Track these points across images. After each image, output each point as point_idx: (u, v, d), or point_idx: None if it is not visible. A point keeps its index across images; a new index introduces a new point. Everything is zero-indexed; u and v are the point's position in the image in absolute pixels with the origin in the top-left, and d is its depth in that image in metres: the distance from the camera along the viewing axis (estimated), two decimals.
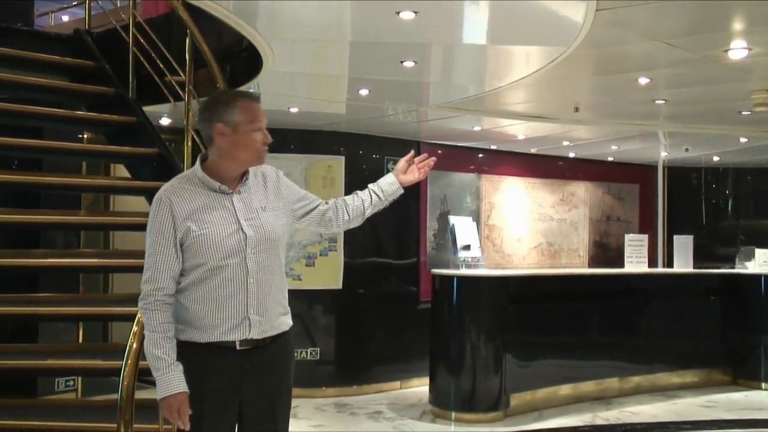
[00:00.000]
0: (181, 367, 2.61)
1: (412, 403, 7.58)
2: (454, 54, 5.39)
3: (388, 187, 3.00)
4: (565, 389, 7.46)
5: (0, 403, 4.59)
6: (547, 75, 5.45)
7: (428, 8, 3.96)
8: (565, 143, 9.11)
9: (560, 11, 4.17)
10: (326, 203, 2.96)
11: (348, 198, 3.00)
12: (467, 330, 6.99)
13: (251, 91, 5.81)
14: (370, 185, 3.02)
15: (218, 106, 2.70)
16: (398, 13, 3.98)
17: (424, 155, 3.06)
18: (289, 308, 2.85)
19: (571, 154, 10.13)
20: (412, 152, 3.06)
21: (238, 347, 2.67)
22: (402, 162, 3.01)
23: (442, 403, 7.06)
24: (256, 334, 2.69)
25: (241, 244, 2.66)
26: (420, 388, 7.82)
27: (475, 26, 4.66)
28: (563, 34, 4.52)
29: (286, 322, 2.82)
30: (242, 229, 2.68)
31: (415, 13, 3.97)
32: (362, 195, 2.99)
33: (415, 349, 7.86)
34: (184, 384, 2.60)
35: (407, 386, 8.22)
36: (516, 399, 7.03)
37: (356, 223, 3.01)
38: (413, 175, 3.02)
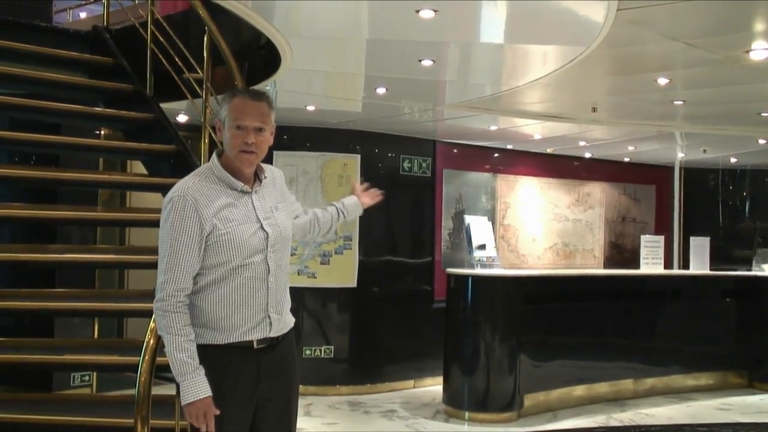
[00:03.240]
0: (203, 370, 2.58)
1: (425, 402, 7.57)
2: (471, 53, 5.37)
3: (352, 207, 3.24)
4: (579, 390, 7.43)
5: (16, 398, 4.63)
6: (565, 75, 5.42)
7: (448, 7, 3.95)
8: (582, 143, 9.07)
9: (580, 11, 4.15)
10: (306, 213, 3.09)
11: (318, 211, 3.15)
12: (482, 329, 6.97)
13: (264, 89, 5.82)
14: (336, 204, 3.22)
15: (221, 102, 2.76)
16: (418, 11, 3.96)
17: (365, 186, 3.34)
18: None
19: (588, 155, 10.09)
20: (362, 184, 3.37)
21: (255, 346, 2.67)
22: (358, 186, 3.30)
23: (455, 402, 7.05)
24: (274, 332, 2.71)
25: (263, 243, 2.66)
26: (434, 387, 7.81)
27: (493, 25, 4.64)
28: (582, 34, 4.49)
29: (292, 319, 2.87)
30: (263, 227, 2.68)
31: (435, 11, 3.96)
32: (330, 211, 3.18)
33: (429, 348, 7.86)
34: (209, 388, 2.57)
35: (421, 385, 8.21)
36: (530, 399, 7.01)
37: (320, 237, 3.26)
38: (367, 200, 3.30)
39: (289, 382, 2.79)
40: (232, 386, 2.64)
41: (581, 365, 7.46)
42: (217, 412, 2.57)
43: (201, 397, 2.54)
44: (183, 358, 2.55)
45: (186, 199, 2.60)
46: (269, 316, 2.68)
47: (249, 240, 2.64)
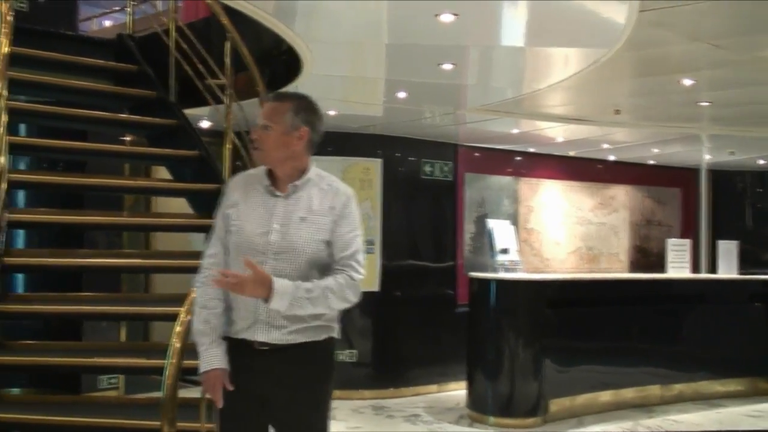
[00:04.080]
0: (224, 345, 2.67)
1: (449, 406, 7.56)
2: (492, 56, 5.37)
3: None
4: (605, 396, 7.37)
5: (46, 400, 4.68)
6: (587, 77, 5.41)
7: (468, 10, 3.95)
8: (605, 146, 9.02)
9: (602, 13, 4.14)
10: (334, 275, 2.69)
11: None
12: (505, 334, 6.94)
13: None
14: None
15: None
16: (437, 15, 3.97)
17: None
18: (322, 321, 2.70)
19: (611, 157, 10.03)
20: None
21: (256, 347, 2.66)
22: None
23: (479, 407, 7.03)
24: (270, 340, 2.65)
25: (265, 247, 2.65)
26: (457, 391, 7.79)
27: (514, 28, 4.64)
28: (605, 36, 4.48)
29: (312, 334, 2.68)
30: (271, 233, 2.66)
31: (455, 15, 3.97)
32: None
33: (453, 353, 7.84)
34: (222, 361, 2.66)
35: (444, 389, 8.20)
36: (555, 404, 6.97)
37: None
38: None
39: (305, 392, 2.69)
40: (233, 380, 2.68)
41: (607, 370, 7.40)
42: (230, 387, 2.64)
43: (209, 368, 2.65)
44: (203, 329, 2.68)
45: (232, 181, 2.83)
46: (262, 322, 2.64)
47: (252, 239, 2.66)
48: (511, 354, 6.88)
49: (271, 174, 2.75)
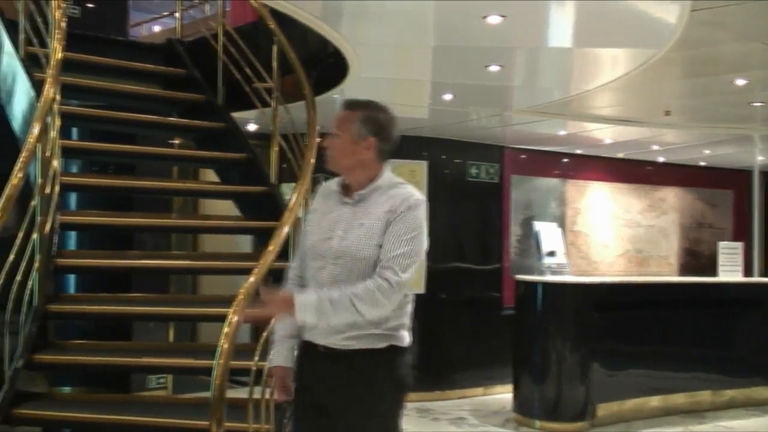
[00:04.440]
0: (288, 343, 2.79)
1: (495, 410, 7.51)
2: (539, 57, 5.33)
3: None
4: (654, 401, 7.25)
5: (97, 398, 4.76)
6: (636, 78, 5.33)
7: (516, 11, 3.92)
8: (654, 147, 8.89)
9: (653, 12, 4.07)
10: (376, 275, 2.63)
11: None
12: (552, 337, 6.87)
13: (333, 97, 5.89)
14: None
15: None
16: (485, 17, 3.95)
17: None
18: (375, 330, 2.65)
19: (661, 159, 9.87)
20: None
21: (320, 349, 2.68)
22: None
23: (526, 410, 6.97)
24: (324, 342, 2.66)
25: (326, 252, 2.68)
26: (503, 395, 7.75)
27: (561, 29, 4.60)
28: (655, 36, 4.41)
29: (371, 341, 2.65)
30: (333, 238, 2.68)
31: (503, 16, 3.94)
32: None
33: (499, 356, 7.79)
34: (284, 359, 2.79)
35: (490, 393, 8.15)
36: (603, 409, 6.88)
37: None
38: None
39: (362, 400, 2.66)
40: (301, 380, 2.75)
41: (656, 375, 7.28)
42: (289, 386, 2.78)
43: (270, 365, 2.84)
44: (276, 327, 2.86)
45: (318, 189, 2.89)
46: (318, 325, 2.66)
47: (316, 245, 2.71)
48: (558, 357, 6.81)
49: (344, 181, 2.78)
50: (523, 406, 7.02)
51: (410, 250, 2.65)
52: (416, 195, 2.74)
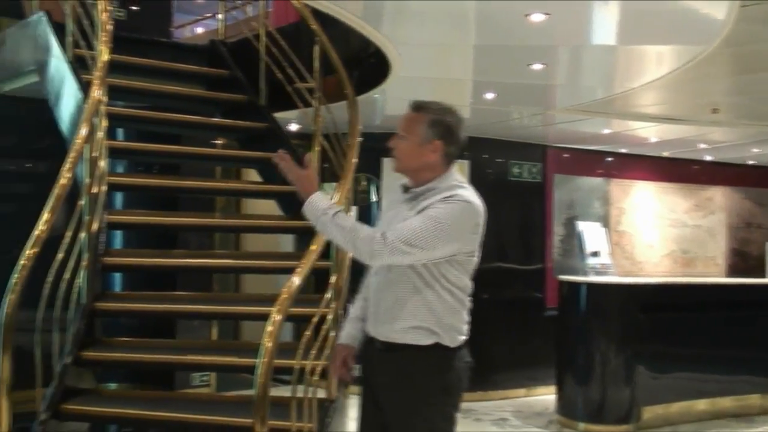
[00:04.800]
0: (357, 324, 2.90)
1: (538, 411, 7.45)
2: (583, 55, 5.27)
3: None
4: (701, 404, 7.13)
5: (142, 395, 4.83)
6: (683, 75, 5.24)
7: (559, 9, 3.88)
8: (701, 146, 8.74)
9: (700, 9, 4.00)
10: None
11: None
12: (596, 339, 6.79)
13: (374, 97, 5.89)
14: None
15: None
16: (528, 15, 3.92)
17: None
18: (418, 326, 2.67)
19: (708, 158, 9.70)
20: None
21: (376, 344, 2.77)
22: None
23: (569, 412, 6.90)
24: (375, 333, 2.79)
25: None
26: (546, 396, 7.68)
27: (606, 27, 4.54)
28: (702, 33, 4.34)
29: (414, 337, 2.68)
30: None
31: (546, 14, 3.90)
32: None
33: (541, 357, 7.72)
34: (346, 338, 2.93)
35: (533, 394, 8.09)
36: (648, 412, 6.78)
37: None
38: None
39: (404, 395, 2.69)
40: (362, 371, 2.86)
41: (703, 378, 7.16)
42: (349, 365, 2.91)
43: (336, 343, 3.01)
44: (351, 309, 3.04)
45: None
46: (373, 316, 2.80)
47: None
48: (602, 359, 6.73)
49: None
50: (566, 408, 6.95)
51: (422, 229, 2.57)
52: (461, 194, 2.68)
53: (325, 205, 2.65)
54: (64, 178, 3.64)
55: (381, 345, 2.74)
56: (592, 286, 6.98)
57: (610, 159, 9.30)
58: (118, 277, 6.34)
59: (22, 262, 3.39)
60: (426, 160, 2.72)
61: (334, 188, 4.16)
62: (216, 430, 3.84)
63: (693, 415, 7.05)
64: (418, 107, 2.77)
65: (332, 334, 3.78)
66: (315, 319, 3.57)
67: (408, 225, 2.59)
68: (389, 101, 6.37)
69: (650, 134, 7.96)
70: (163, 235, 6.43)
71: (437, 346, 2.69)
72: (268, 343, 3.06)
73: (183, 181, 5.46)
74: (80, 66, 4.65)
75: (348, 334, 2.94)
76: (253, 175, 6.40)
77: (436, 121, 2.72)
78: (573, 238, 8.42)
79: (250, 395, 3.24)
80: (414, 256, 2.58)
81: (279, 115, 5.57)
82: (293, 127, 7.12)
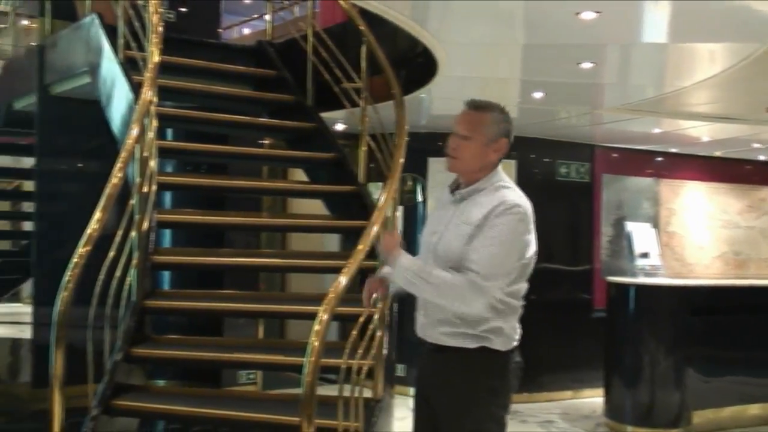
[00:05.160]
0: (403, 261, 2.66)
1: (585, 414, 7.37)
2: (633, 53, 5.19)
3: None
4: (753, 409, 6.98)
5: (190, 392, 4.88)
6: (736, 74, 5.12)
7: (610, 7, 3.83)
8: (755, 146, 8.53)
9: (753, 6, 3.90)
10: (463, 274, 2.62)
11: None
12: (645, 341, 6.69)
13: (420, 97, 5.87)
14: None
15: None
16: (578, 13, 3.87)
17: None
18: (465, 331, 2.66)
19: (761, 157, 9.48)
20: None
21: (427, 345, 2.76)
22: None
23: (617, 416, 6.81)
24: (423, 335, 2.79)
25: (428, 248, 2.77)
26: (593, 399, 7.59)
27: (657, 24, 4.46)
28: (757, 30, 4.23)
29: (462, 340, 2.67)
30: (435, 234, 2.76)
31: (597, 12, 3.85)
32: None
33: (588, 359, 7.63)
34: (383, 271, 2.88)
35: (579, 396, 8.00)
36: (698, 416, 6.65)
37: None
38: None
39: (452, 398, 2.68)
40: (417, 373, 2.87)
41: (756, 382, 7.00)
42: (375, 294, 2.91)
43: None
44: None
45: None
46: (419, 315, 2.79)
47: (425, 239, 2.83)
48: (651, 362, 6.63)
49: (458, 178, 2.80)
50: (614, 411, 6.85)
51: (495, 257, 2.57)
52: (511, 199, 2.66)
53: (415, 266, 2.62)
54: (115, 177, 3.70)
55: (431, 346, 2.75)
56: (642, 288, 6.88)
57: (659, 159, 9.15)
58: (166, 275, 6.43)
59: (74, 260, 3.45)
60: (489, 160, 2.71)
61: (381, 188, 4.16)
62: (263, 429, 3.88)
63: (745, 420, 6.90)
64: (480, 106, 2.75)
65: (378, 333, 3.79)
66: (362, 319, 3.58)
67: (477, 263, 2.56)
68: (435, 101, 6.35)
69: (702, 133, 7.81)
70: (210, 234, 6.50)
71: (484, 349, 2.67)
72: (315, 342, 3.07)
73: (230, 181, 5.52)
74: (131, 67, 4.72)
75: (384, 271, 2.94)
76: (299, 174, 6.44)
77: (500, 120, 2.72)
78: (621, 239, 8.31)
79: (296, 394, 3.25)
80: (500, 282, 2.58)
81: (325, 115, 5.59)
82: (339, 127, 7.14)
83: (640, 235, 7.56)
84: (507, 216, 2.61)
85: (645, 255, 7.35)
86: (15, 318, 10.89)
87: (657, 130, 7.73)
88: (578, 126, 7.54)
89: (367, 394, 3.74)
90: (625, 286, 6.88)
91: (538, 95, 6.06)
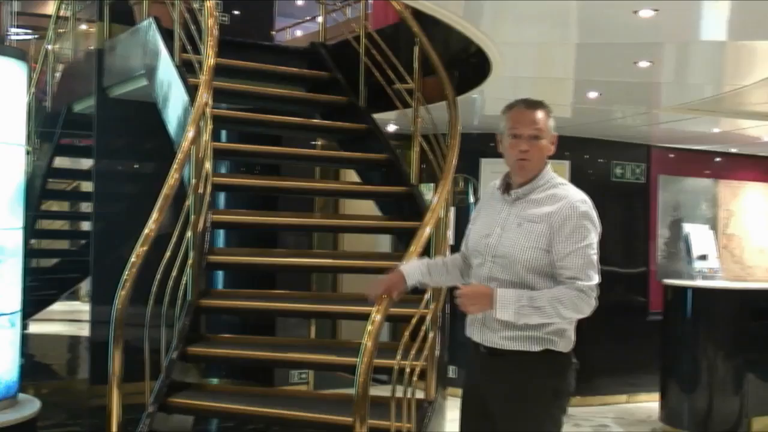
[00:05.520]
0: (419, 261, 2.94)
1: (640, 418, 7.24)
2: (691, 52, 5.08)
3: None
4: None
5: (243, 390, 4.94)
6: None
7: (669, 4, 3.75)
8: None
9: None
10: (566, 285, 2.61)
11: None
12: (702, 345, 6.54)
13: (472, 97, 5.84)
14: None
15: (501, 115, 2.79)
16: (636, 11, 3.81)
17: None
18: (529, 335, 2.62)
19: None
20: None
21: (481, 348, 2.71)
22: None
23: (673, 421, 6.67)
24: (481, 340, 2.71)
25: (485, 250, 2.71)
26: (648, 403, 7.45)
27: (716, 21, 4.36)
28: None
29: (525, 343, 2.63)
30: (490, 236, 2.70)
31: (655, 10, 3.78)
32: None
33: (644, 363, 7.50)
34: (405, 267, 2.92)
35: (634, 400, 7.86)
36: (759, 423, 6.47)
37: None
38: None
39: (513, 402, 2.65)
40: (466, 376, 2.85)
41: None
42: (397, 290, 2.90)
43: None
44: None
45: (487, 188, 2.93)
46: (478, 322, 2.70)
47: (478, 241, 2.76)
48: (709, 367, 6.48)
49: (506, 178, 2.78)
50: (670, 416, 6.72)
51: (583, 261, 2.61)
52: (574, 196, 2.68)
53: (514, 296, 2.56)
54: (172, 178, 3.77)
55: (487, 350, 2.69)
56: (699, 291, 6.72)
57: (718, 159, 8.94)
58: (219, 275, 6.51)
59: (132, 259, 3.52)
60: (547, 156, 2.73)
61: (433, 189, 4.15)
62: (315, 428, 3.90)
63: None
64: (538, 104, 2.75)
65: (431, 335, 3.78)
66: (414, 320, 3.57)
67: (572, 269, 2.59)
68: (488, 101, 6.31)
69: (762, 133, 7.60)
70: (262, 234, 6.57)
71: (547, 353, 2.65)
72: (368, 343, 3.08)
73: (283, 182, 5.56)
74: (187, 69, 4.80)
75: (410, 264, 2.95)
76: (351, 175, 6.46)
77: (551, 115, 2.75)
78: (678, 241, 8.13)
79: (348, 394, 3.27)
80: (595, 278, 2.65)
81: (378, 116, 5.60)
82: (392, 128, 7.14)
83: (698, 237, 7.39)
84: (587, 219, 2.65)
85: (703, 257, 7.18)
86: (73, 316, 11.16)
87: (715, 130, 7.56)
88: (634, 126, 7.42)
89: (419, 395, 3.73)
90: (682, 289, 6.74)
91: (593, 95, 5.98)
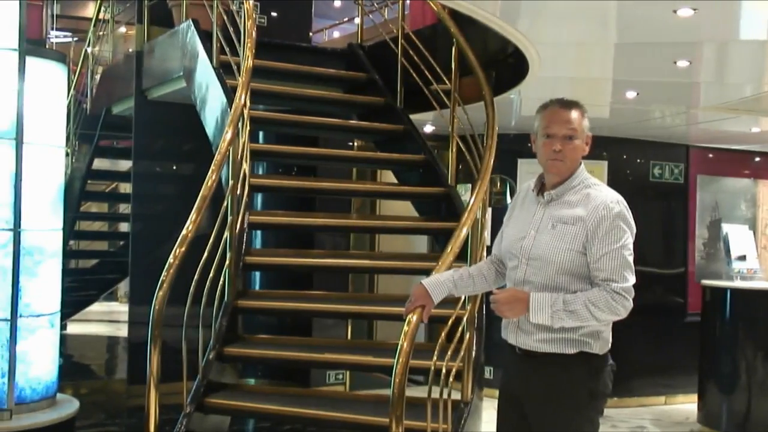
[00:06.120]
0: (445, 276, 2.85)
1: (677, 420, 7.16)
2: (731, 51, 5.01)
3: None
4: None
5: (280, 391, 4.97)
6: None
7: (708, 3, 3.71)
8: None
9: None
10: (602, 288, 2.58)
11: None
12: (742, 347, 6.46)
13: (510, 98, 5.81)
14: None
15: (535, 115, 2.77)
16: (675, 11, 3.77)
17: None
18: (565, 337, 2.61)
19: None
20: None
21: (517, 350, 2.70)
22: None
23: (712, 423, 6.59)
24: (515, 341, 2.70)
25: (519, 252, 2.69)
26: (686, 405, 7.36)
27: (756, 21, 4.29)
28: None
29: (560, 346, 2.62)
30: (525, 238, 2.68)
31: (694, 9, 3.74)
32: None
33: (681, 364, 7.41)
34: (429, 281, 2.84)
35: (672, 402, 7.77)
36: None
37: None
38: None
39: (549, 404, 2.64)
40: (502, 378, 2.83)
41: None
42: (423, 309, 2.82)
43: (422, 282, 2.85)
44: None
45: (520, 189, 2.92)
46: (513, 324, 2.70)
47: (512, 243, 2.74)
48: (748, 368, 6.39)
49: (541, 179, 2.76)
50: (708, 418, 6.64)
51: (618, 263, 2.59)
52: (608, 198, 2.64)
53: (549, 300, 2.55)
54: (210, 179, 3.80)
55: (523, 353, 2.68)
56: (739, 292, 6.63)
57: (758, 159, 8.79)
58: (256, 275, 6.56)
59: (170, 260, 3.55)
60: (582, 156, 2.71)
61: (470, 190, 4.15)
62: (351, 429, 3.91)
63: None
64: (572, 104, 2.72)
65: (467, 335, 3.78)
66: (451, 321, 3.57)
67: (605, 271, 2.57)
68: (525, 102, 6.28)
69: None
70: (299, 235, 6.59)
71: (582, 355, 2.63)
72: (404, 344, 3.08)
73: (320, 183, 5.59)
74: (225, 71, 4.84)
75: (435, 277, 2.90)
76: (388, 176, 6.47)
77: (586, 115, 2.72)
78: (717, 242, 8.02)
79: (384, 394, 3.28)
80: (631, 280, 2.63)
81: (415, 117, 5.60)
82: (429, 128, 7.14)
83: (737, 237, 7.28)
84: (622, 220, 2.62)
85: (742, 258, 7.08)
86: (112, 317, 11.32)
87: (755, 130, 7.44)
88: (672, 126, 7.33)
89: (456, 396, 3.73)
90: (721, 290, 6.65)
91: (631, 95, 5.92)
